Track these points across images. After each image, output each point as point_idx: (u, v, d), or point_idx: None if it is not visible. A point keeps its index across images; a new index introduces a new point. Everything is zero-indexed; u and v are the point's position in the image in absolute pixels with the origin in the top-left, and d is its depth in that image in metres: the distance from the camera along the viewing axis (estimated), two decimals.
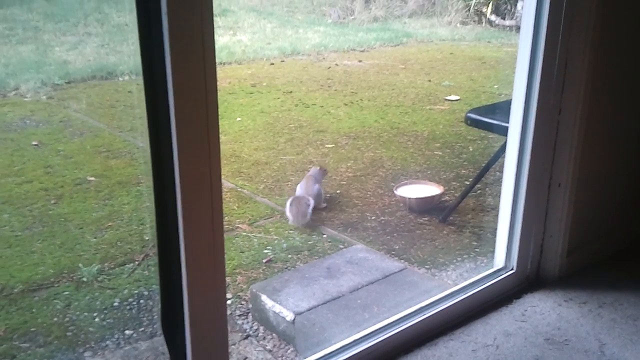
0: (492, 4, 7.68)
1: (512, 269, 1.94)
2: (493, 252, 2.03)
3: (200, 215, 1.23)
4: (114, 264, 2.42)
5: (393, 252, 2.52)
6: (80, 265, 2.38)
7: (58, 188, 3.06)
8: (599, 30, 1.81)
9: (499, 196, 1.97)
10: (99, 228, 2.69)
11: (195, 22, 1.11)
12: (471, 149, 3.72)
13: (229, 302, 2.15)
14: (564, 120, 1.86)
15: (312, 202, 2.78)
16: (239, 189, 3.16)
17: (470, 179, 3.21)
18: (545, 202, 1.94)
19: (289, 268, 2.38)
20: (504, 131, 2.03)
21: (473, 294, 1.81)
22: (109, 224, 2.73)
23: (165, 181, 1.20)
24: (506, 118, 1.93)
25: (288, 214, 2.77)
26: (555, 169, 1.90)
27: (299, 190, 2.92)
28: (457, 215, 2.84)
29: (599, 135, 1.99)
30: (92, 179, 3.20)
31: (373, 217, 2.86)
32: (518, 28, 6.25)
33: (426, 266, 2.41)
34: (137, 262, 2.43)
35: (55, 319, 2.07)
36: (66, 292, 2.22)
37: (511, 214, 1.90)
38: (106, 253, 2.49)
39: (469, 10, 7.82)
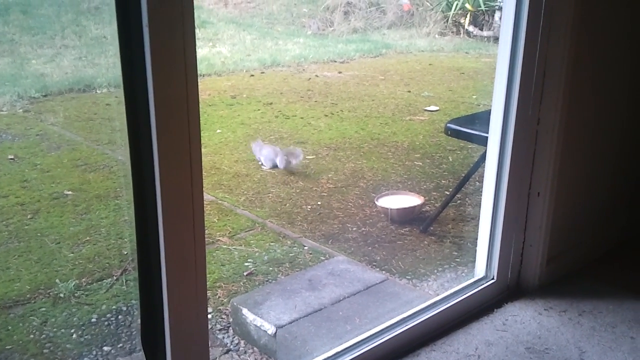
0: (470, 15, 7.77)
1: (492, 279, 1.95)
2: (473, 261, 2.04)
3: (182, 229, 1.22)
4: (91, 279, 2.38)
5: (374, 263, 2.51)
6: (57, 280, 2.34)
7: (35, 202, 3.01)
8: (576, 41, 1.83)
9: (479, 206, 1.98)
10: (76, 243, 2.65)
11: (176, 33, 1.10)
12: (451, 159, 3.75)
13: (209, 316, 2.13)
14: (543, 130, 1.87)
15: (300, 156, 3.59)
16: (219, 202, 3.13)
17: (451, 189, 3.23)
18: (525, 211, 1.95)
19: (270, 281, 2.36)
20: (483, 141, 2.04)
21: (454, 304, 1.81)
22: (87, 238, 2.68)
23: (146, 194, 1.19)
24: (485, 128, 1.94)
25: (277, 164, 3.55)
26: (535, 179, 1.92)
27: (269, 149, 3.64)
28: (437, 226, 2.85)
29: (578, 145, 2.01)
30: (70, 193, 3.16)
31: (354, 228, 2.85)
32: (496, 39, 6.32)
33: (407, 277, 2.41)
34: (115, 277, 2.40)
35: (32, 336, 2.03)
36: (43, 309, 2.17)
37: (491, 224, 1.91)
38: (84, 268, 2.45)
39: (447, 21, 7.91)
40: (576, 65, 1.86)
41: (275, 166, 3.61)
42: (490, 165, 1.88)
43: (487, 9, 7.59)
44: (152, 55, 1.08)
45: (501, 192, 1.88)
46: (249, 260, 2.54)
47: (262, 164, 3.66)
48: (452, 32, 7.85)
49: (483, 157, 2.15)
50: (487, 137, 1.92)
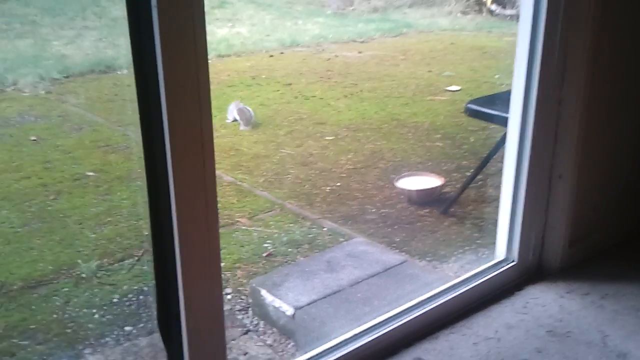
0: None
1: (513, 261, 1.92)
2: (494, 243, 2.02)
3: (194, 209, 1.22)
4: (113, 259, 2.41)
5: (394, 245, 2.50)
6: (79, 261, 2.37)
7: (57, 184, 3.04)
8: (599, 19, 1.78)
9: (500, 187, 1.95)
10: (97, 224, 2.68)
11: (186, 13, 1.09)
12: (472, 140, 3.70)
13: (228, 297, 2.14)
14: (564, 111, 1.83)
15: (252, 112, 4.00)
16: (239, 183, 3.14)
17: (471, 170, 3.19)
18: (547, 194, 1.92)
19: (288, 262, 2.36)
20: (504, 122, 2.01)
21: (474, 286, 1.80)
22: (108, 219, 2.72)
23: (159, 176, 1.19)
24: (506, 109, 1.91)
25: (238, 119, 3.98)
26: (556, 161, 1.88)
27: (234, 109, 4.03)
28: (458, 207, 2.82)
29: (600, 126, 1.96)
30: (91, 174, 3.19)
31: (373, 210, 2.84)
32: (519, 17, 6.19)
33: (427, 258, 2.39)
34: (136, 258, 2.42)
35: (55, 316, 2.06)
36: (65, 289, 2.21)
37: (512, 206, 1.88)
38: (105, 249, 2.48)
39: None
40: (598, 45, 1.81)
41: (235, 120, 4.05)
42: (511, 147, 1.85)
43: None
44: (160, 35, 1.07)
45: (522, 174, 1.85)
46: (268, 241, 2.54)
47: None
48: (475, 10, 7.71)
49: (504, 139, 2.11)
50: (507, 118, 1.89)
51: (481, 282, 1.82)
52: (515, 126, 1.84)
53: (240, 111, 3.99)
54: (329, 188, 3.08)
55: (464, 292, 1.77)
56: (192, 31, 1.10)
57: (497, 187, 2.09)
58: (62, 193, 2.95)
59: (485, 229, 2.59)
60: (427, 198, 2.87)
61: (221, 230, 2.64)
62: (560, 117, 1.85)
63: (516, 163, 1.85)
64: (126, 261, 2.39)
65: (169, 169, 1.17)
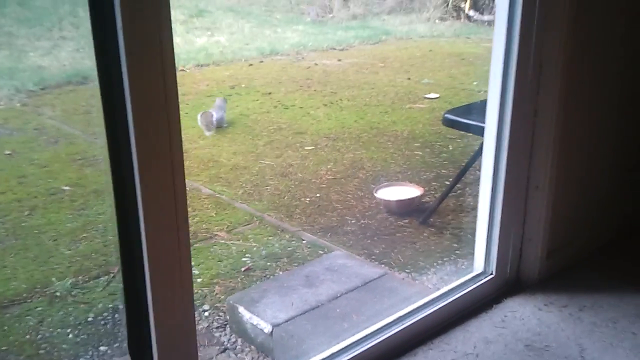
0: (470, 0, 7.68)
1: (491, 274, 1.92)
2: (473, 254, 2.01)
3: (164, 225, 1.20)
4: (88, 276, 2.36)
5: (373, 257, 2.49)
6: (53, 279, 2.32)
7: (32, 199, 2.99)
8: (572, 30, 1.79)
9: (479, 196, 1.94)
10: (73, 239, 2.63)
11: (152, 23, 1.06)
12: (451, 148, 3.71)
13: (206, 314, 2.11)
14: (540, 122, 1.84)
15: (215, 116, 4.02)
16: (217, 195, 3.11)
17: (450, 179, 3.19)
18: (524, 205, 1.92)
19: (267, 276, 2.34)
20: (481, 132, 2.00)
21: (452, 301, 1.79)
22: (84, 235, 2.67)
23: (127, 190, 1.16)
24: (483, 118, 1.90)
25: (200, 125, 3.97)
26: (533, 171, 1.89)
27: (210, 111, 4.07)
28: (437, 217, 2.82)
29: (576, 137, 1.97)
30: (67, 188, 3.14)
31: (353, 221, 2.83)
32: None
33: (407, 270, 2.39)
34: (112, 275, 2.38)
35: (28, 337, 2.02)
36: (39, 308, 2.16)
37: (489, 218, 1.88)
38: (80, 265, 2.44)
39: (447, 5, 7.82)
40: (573, 56, 1.82)
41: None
42: (487, 159, 1.85)
43: None
44: (125, 43, 1.05)
45: (499, 185, 1.85)
46: (246, 255, 2.52)
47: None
48: (453, 16, 7.77)
49: (482, 148, 2.11)
50: (484, 128, 1.89)
51: (459, 296, 1.81)
52: (491, 138, 1.84)
53: (203, 116, 3.99)
54: (308, 199, 3.07)
55: (442, 306, 1.77)
56: (158, 41, 1.08)
57: (476, 195, 2.08)
58: (37, 208, 2.90)
59: (464, 239, 2.59)
60: (406, 208, 2.87)
61: (199, 245, 2.64)
62: (536, 128, 1.86)
63: (493, 174, 1.85)
64: (101, 278, 2.35)
65: (137, 183, 1.14)
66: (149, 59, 1.09)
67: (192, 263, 2.43)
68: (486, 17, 7.49)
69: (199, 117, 4.00)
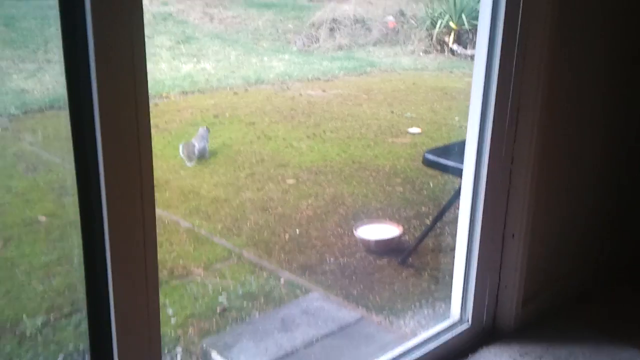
0: (454, 34, 7.80)
1: (467, 322, 1.91)
2: (451, 297, 2.01)
3: (131, 263, 1.18)
4: (60, 314, 2.32)
5: (351, 298, 2.48)
6: (24, 316, 2.27)
7: (7, 229, 2.94)
8: (549, 79, 1.82)
9: (456, 242, 1.94)
10: (47, 274, 2.58)
11: (123, 44, 1.06)
12: (432, 185, 3.72)
13: (179, 357, 2.08)
14: (517, 170, 1.85)
15: (197, 147, 4.00)
16: (196, 230, 3.08)
17: (430, 217, 3.20)
18: (500, 253, 1.93)
19: (243, 317, 2.31)
20: (460, 173, 2.01)
21: (429, 351, 1.78)
22: (58, 268, 2.62)
23: (94, 224, 1.14)
24: (462, 160, 1.91)
25: (182, 155, 3.95)
26: (509, 219, 1.90)
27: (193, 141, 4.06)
28: (416, 257, 2.82)
29: (553, 184, 1.99)
30: (44, 218, 3.09)
31: (332, 259, 2.82)
32: None
33: (384, 313, 2.37)
34: (84, 313, 2.33)
35: None
36: (8, 348, 2.11)
37: (465, 265, 1.88)
38: (53, 302, 2.39)
39: (431, 39, 7.92)
40: (550, 103, 1.85)
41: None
42: (464, 206, 1.86)
43: (470, 27, 7.61)
44: (97, 69, 1.04)
45: (475, 232, 1.86)
46: (223, 294, 2.49)
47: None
48: (437, 50, 7.87)
49: (460, 190, 2.12)
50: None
51: (436, 347, 1.80)
52: (468, 185, 1.86)
53: (185, 146, 4.00)
54: (288, 235, 3.05)
55: (418, 357, 1.75)
56: (131, 70, 1.07)
57: (455, 235, 2.09)
58: (12, 240, 2.85)
59: (442, 281, 2.59)
60: (385, 248, 2.87)
61: (175, 282, 2.61)
62: (512, 176, 1.87)
63: (469, 221, 1.86)
64: (74, 316, 2.31)
65: (104, 215, 1.13)
66: (121, 88, 1.08)
67: (167, 302, 2.41)
68: (469, 52, 7.60)
69: (180, 147, 3.99)
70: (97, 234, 1.15)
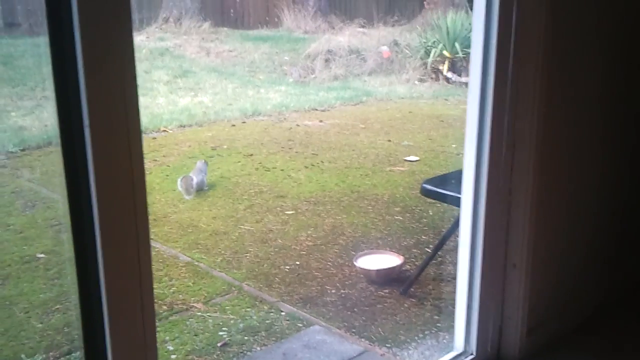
0: (448, 62, 7.90)
1: (471, 354, 1.90)
2: (454, 327, 1.99)
3: (128, 303, 1.17)
4: (59, 352, 2.29)
5: (353, 330, 2.45)
6: (23, 355, 2.25)
7: (5, 267, 2.92)
8: (544, 111, 1.83)
9: (457, 272, 1.94)
10: (45, 311, 2.56)
11: (115, 77, 1.07)
12: (431, 213, 3.72)
13: None
14: (515, 200, 1.86)
15: (195, 180, 4.02)
16: (196, 263, 3.07)
17: (431, 245, 3.19)
18: (502, 283, 1.92)
19: (244, 352, 2.28)
20: (458, 202, 2.02)
21: None
22: (57, 306, 2.60)
23: (88, 260, 1.14)
24: (460, 189, 1.91)
25: (180, 189, 3.98)
26: (510, 250, 1.89)
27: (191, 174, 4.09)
28: (418, 287, 2.80)
29: (552, 214, 1.99)
30: (42, 255, 3.08)
31: (333, 291, 2.80)
32: None
33: (387, 345, 2.35)
34: (84, 350, 2.31)
35: None
36: None
37: (468, 297, 1.87)
38: (52, 340, 2.37)
39: (426, 67, 8.02)
40: (546, 133, 1.86)
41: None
42: (464, 237, 1.86)
43: (464, 55, 7.71)
44: (88, 105, 1.05)
45: (476, 263, 1.85)
46: (223, 328, 2.46)
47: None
48: (432, 78, 7.96)
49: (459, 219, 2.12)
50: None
51: None
52: (467, 215, 1.86)
53: (183, 180, 4.01)
54: (288, 267, 3.04)
55: None
56: (123, 105, 1.08)
57: (456, 264, 2.08)
58: (10, 277, 2.83)
59: (445, 311, 2.57)
60: (386, 278, 2.85)
61: (175, 317, 2.59)
62: (511, 206, 1.87)
63: (470, 253, 1.86)
64: (73, 354, 2.28)
65: (99, 253, 1.12)
66: (113, 124, 1.09)
67: (167, 338, 2.38)
68: (464, 79, 7.68)
69: (178, 181, 4.00)
70: (91, 271, 1.15)
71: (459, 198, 1.99)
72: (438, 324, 2.49)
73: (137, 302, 1.19)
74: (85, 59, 1.03)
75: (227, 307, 2.63)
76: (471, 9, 8.33)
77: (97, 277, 1.14)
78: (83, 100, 1.05)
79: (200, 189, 4.08)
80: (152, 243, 2.44)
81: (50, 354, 2.28)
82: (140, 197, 1.15)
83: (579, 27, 1.93)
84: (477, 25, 1.71)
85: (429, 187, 2.64)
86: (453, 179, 2.71)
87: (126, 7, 1.06)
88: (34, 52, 6.65)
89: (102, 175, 1.09)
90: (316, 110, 6.66)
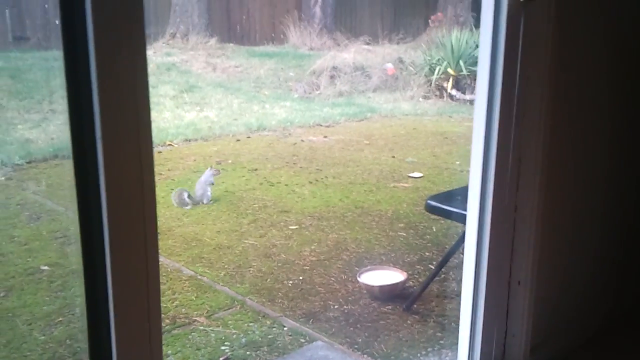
0: (453, 79, 7.93)
1: None
2: (457, 344, 1.98)
3: (135, 316, 1.17)
4: None
5: (356, 346, 2.44)
6: None
7: (9, 279, 2.93)
8: (551, 125, 1.84)
9: (462, 289, 1.93)
10: (48, 324, 2.56)
11: (128, 93, 1.08)
12: (434, 230, 3.72)
13: None
14: (520, 218, 1.86)
15: (186, 194, 4.11)
16: (199, 277, 3.07)
17: (434, 262, 3.19)
18: (506, 300, 1.91)
19: None
20: (463, 219, 2.02)
21: None
22: (60, 319, 2.60)
23: (97, 274, 1.14)
24: (465, 206, 1.92)
25: (174, 203, 4.09)
26: (515, 267, 1.89)
27: (197, 185, 4.22)
28: (421, 303, 2.79)
29: (558, 231, 1.99)
30: (46, 268, 3.08)
31: (336, 306, 2.79)
32: None
33: None
34: None
35: None
36: None
37: (472, 313, 1.87)
38: (54, 353, 2.36)
39: (430, 84, 8.05)
40: (552, 149, 1.87)
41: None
42: (469, 254, 1.86)
43: (468, 73, 7.75)
44: (101, 118, 1.06)
45: (481, 281, 1.85)
46: (226, 343, 2.46)
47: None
48: (436, 95, 7.99)
49: (464, 236, 2.12)
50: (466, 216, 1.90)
51: None
52: (472, 233, 1.86)
53: (177, 194, 4.13)
54: (291, 282, 3.03)
55: None
56: (135, 119, 1.09)
57: (460, 280, 2.07)
58: (14, 289, 2.83)
59: (448, 327, 2.56)
60: (389, 294, 2.84)
61: (177, 331, 2.58)
62: (516, 223, 1.88)
63: (475, 270, 1.85)
64: None
65: (107, 266, 1.13)
66: (125, 137, 1.10)
67: (169, 352, 2.37)
68: (468, 97, 7.71)
69: (172, 195, 4.14)
70: (99, 282, 1.15)
71: (464, 215, 2.00)
72: (441, 341, 2.48)
73: (144, 314, 1.19)
74: (98, 71, 1.05)
75: (229, 322, 2.63)
76: (476, 28, 8.41)
77: (105, 287, 1.14)
78: (96, 113, 1.07)
79: (200, 201, 4.13)
80: None
81: None
82: (149, 209, 1.16)
83: (586, 42, 1.94)
84: (484, 39, 1.72)
85: (433, 203, 2.64)
86: (458, 195, 2.71)
87: (139, 21, 1.08)
88: (42, 65, 6.72)
89: (112, 187, 1.10)
90: (321, 126, 6.69)
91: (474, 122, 1.84)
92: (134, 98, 1.10)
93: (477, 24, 8.46)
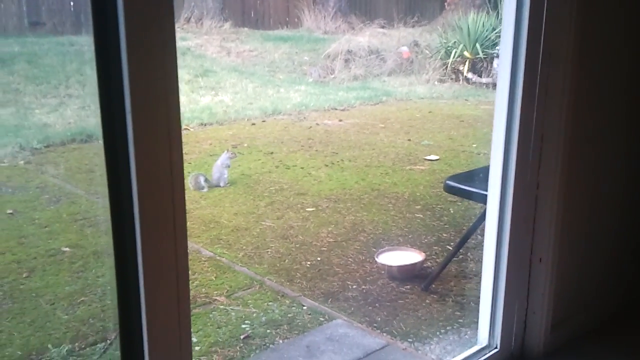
0: (469, 63, 7.86)
1: (495, 347, 1.89)
2: (476, 322, 1.99)
3: (165, 291, 1.19)
4: (85, 343, 2.32)
5: (375, 325, 2.45)
6: (49, 345, 2.28)
7: (31, 260, 2.97)
8: (574, 103, 1.82)
9: (481, 261, 1.93)
10: (70, 303, 2.60)
11: (158, 79, 1.09)
12: (452, 211, 3.71)
13: None
14: (542, 195, 1.85)
15: (202, 177, 4.14)
16: (218, 258, 3.09)
17: (452, 243, 3.19)
18: (527, 278, 1.91)
19: (267, 345, 2.30)
20: (483, 199, 2.01)
21: None
22: (82, 298, 2.64)
23: (127, 254, 1.16)
24: (484, 186, 1.91)
25: (190, 187, 4.08)
26: (536, 244, 1.88)
27: (213, 169, 4.24)
28: (439, 283, 2.79)
29: (579, 208, 1.98)
30: (67, 249, 3.12)
31: (354, 286, 2.80)
32: (494, 85, 6.35)
33: (409, 339, 2.34)
34: (109, 341, 2.34)
35: None
36: None
37: (493, 291, 1.86)
38: (77, 331, 2.40)
39: (446, 68, 7.99)
40: (574, 127, 1.85)
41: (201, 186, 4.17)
42: (490, 231, 1.85)
43: (485, 56, 7.67)
44: (132, 104, 1.06)
45: (502, 258, 1.84)
46: (246, 321, 2.48)
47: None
48: (452, 78, 7.93)
49: (484, 215, 2.11)
50: (486, 195, 1.89)
51: None
52: (493, 210, 1.85)
53: (193, 177, 4.14)
54: (309, 263, 3.05)
55: None
56: (164, 97, 1.10)
57: (478, 261, 2.07)
58: (36, 270, 2.87)
59: (467, 307, 2.56)
60: (408, 274, 2.85)
61: (198, 310, 2.61)
62: (538, 201, 1.87)
63: (496, 247, 1.85)
64: (98, 345, 2.31)
65: (138, 246, 1.14)
66: (154, 120, 1.10)
67: (191, 330, 2.40)
68: (484, 80, 7.64)
69: (189, 178, 4.13)
70: (130, 265, 1.16)
71: (483, 194, 1.99)
72: (460, 320, 2.48)
73: (174, 293, 1.20)
74: (129, 52, 1.05)
75: (249, 301, 2.65)
76: (492, 10, 8.30)
77: (136, 268, 1.16)
78: (126, 93, 1.07)
79: (217, 184, 4.14)
80: None
81: (76, 344, 2.31)
82: (178, 189, 1.17)
83: (609, 22, 1.92)
84: (507, 15, 1.71)
85: (452, 183, 2.63)
86: (476, 175, 2.70)
87: (169, 4, 1.08)
88: (58, 50, 6.76)
89: (142, 168, 1.11)
90: (336, 109, 6.67)
91: (496, 99, 1.82)
92: (163, 77, 1.10)
93: (494, 7, 8.36)
